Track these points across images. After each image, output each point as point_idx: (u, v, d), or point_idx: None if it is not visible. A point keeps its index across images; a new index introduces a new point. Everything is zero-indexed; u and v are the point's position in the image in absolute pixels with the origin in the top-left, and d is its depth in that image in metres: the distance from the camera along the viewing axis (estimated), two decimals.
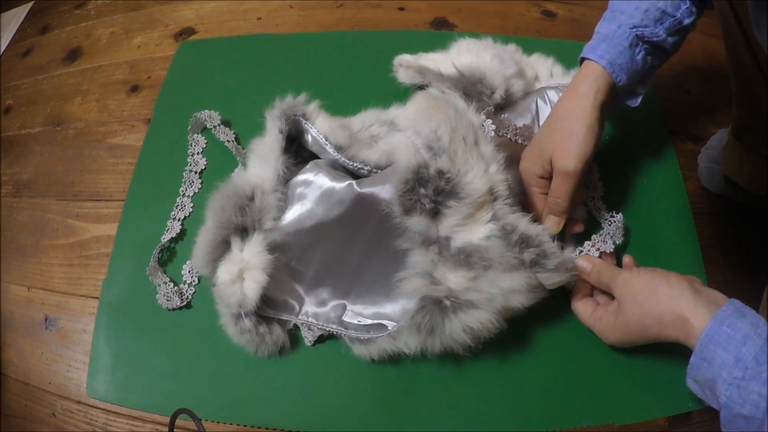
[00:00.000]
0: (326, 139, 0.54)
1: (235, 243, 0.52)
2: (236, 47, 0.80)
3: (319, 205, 0.53)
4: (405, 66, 0.65)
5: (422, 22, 0.82)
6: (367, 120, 0.60)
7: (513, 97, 0.63)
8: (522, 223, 0.50)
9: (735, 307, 0.41)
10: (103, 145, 0.74)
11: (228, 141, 0.67)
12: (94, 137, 0.75)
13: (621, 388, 0.54)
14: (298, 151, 0.59)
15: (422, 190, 0.49)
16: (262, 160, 0.55)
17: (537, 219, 0.54)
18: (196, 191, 0.66)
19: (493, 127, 0.54)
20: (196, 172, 0.67)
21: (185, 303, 0.59)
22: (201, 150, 0.69)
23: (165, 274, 0.60)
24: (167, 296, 0.59)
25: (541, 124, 0.57)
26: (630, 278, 0.47)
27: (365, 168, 0.54)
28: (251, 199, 0.53)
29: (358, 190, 0.52)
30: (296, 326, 0.57)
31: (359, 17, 0.83)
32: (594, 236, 0.55)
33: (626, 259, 0.54)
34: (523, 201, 0.55)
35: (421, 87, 0.66)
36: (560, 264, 0.49)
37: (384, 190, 0.51)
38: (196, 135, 0.70)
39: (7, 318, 0.64)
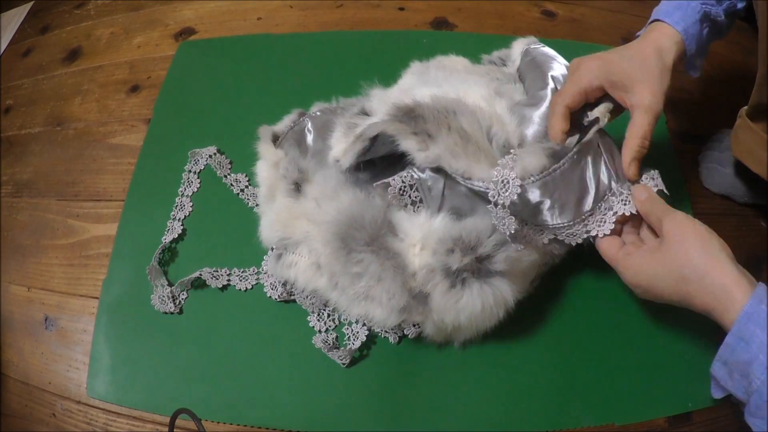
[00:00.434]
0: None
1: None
2: (236, 47, 0.80)
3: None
4: None
5: (422, 22, 0.82)
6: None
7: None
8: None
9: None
10: (103, 145, 0.74)
11: (225, 176, 0.67)
12: (94, 137, 0.75)
13: (621, 388, 0.54)
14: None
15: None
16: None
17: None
18: (195, 190, 0.66)
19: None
20: (195, 173, 0.67)
21: (178, 308, 0.59)
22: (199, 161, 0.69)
23: (165, 276, 0.60)
24: (161, 299, 0.59)
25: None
26: (686, 220, 0.43)
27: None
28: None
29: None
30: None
31: (359, 17, 0.83)
32: (653, 171, 0.51)
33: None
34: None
35: None
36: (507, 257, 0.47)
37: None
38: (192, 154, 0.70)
39: (7, 318, 0.64)
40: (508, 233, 0.46)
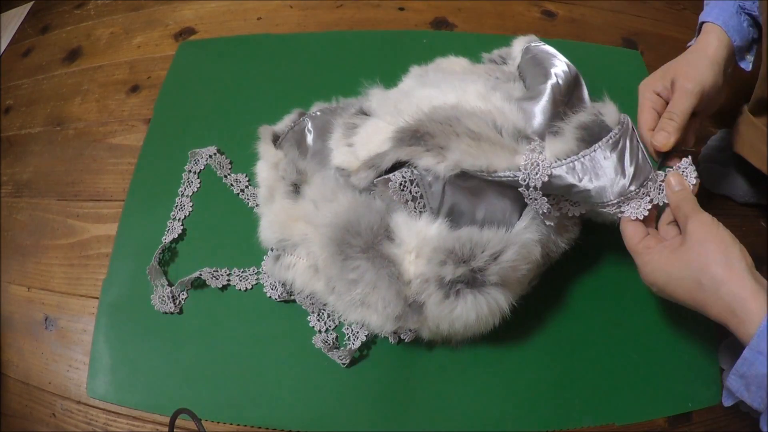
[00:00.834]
0: None
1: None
2: (236, 47, 0.80)
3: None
4: None
5: (422, 22, 0.82)
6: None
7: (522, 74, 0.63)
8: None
9: None
10: (103, 145, 0.74)
11: (225, 176, 0.67)
12: (94, 137, 0.75)
13: (621, 388, 0.54)
14: None
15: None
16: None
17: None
18: (195, 190, 0.66)
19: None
20: (195, 173, 0.67)
21: (178, 308, 0.59)
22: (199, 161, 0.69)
23: (165, 276, 0.60)
24: (162, 299, 0.59)
25: (552, 110, 0.57)
26: (711, 224, 0.42)
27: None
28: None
29: None
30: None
31: (359, 17, 0.83)
32: (685, 160, 0.50)
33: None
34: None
35: None
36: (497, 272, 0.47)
37: None
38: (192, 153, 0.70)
39: (7, 318, 0.64)
40: (540, 212, 0.47)
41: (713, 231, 0.41)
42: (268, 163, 0.58)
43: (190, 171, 0.67)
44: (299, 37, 0.80)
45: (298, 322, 0.58)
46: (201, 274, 0.59)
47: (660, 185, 0.47)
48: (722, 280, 0.39)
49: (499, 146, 0.46)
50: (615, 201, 0.46)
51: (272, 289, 0.58)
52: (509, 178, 0.46)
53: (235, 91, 0.74)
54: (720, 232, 0.41)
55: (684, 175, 0.48)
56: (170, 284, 0.60)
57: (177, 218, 0.64)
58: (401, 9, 0.84)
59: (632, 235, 0.47)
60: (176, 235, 0.63)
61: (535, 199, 0.47)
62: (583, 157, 0.46)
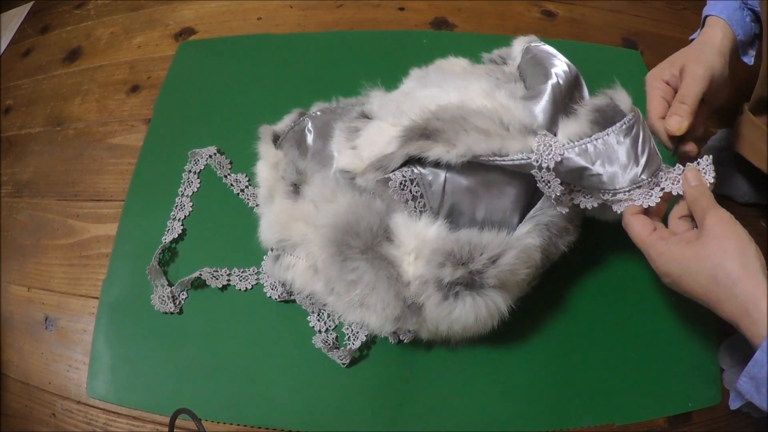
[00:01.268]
0: None
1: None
2: (236, 47, 0.80)
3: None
4: None
5: (422, 22, 0.82)
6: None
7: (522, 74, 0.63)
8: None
9: None
10: (103, 145, 0.74)
11: (225, 176, 0.67)
12: (94, 137, 0.75)
13: (621, 388, 0.54)
14: None
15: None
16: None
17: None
18: (195, 190, 0.66)
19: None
20: (195, 173, 0.67)
21: (178, 308, 0.59)
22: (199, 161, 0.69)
23: (165, 276, 0.60)
24: (161, 299, 0.59)
25: (552, 110, 0.57)
26: (730, 221, 0.41)
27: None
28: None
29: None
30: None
31: (359, 17, 0.83)
32: (707, 158, 0.49)
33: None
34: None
35: None
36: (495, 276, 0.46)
37: None
38: (192, 153, 0.70)
39: (7, 318, 0.64)
40: (553, 196, 0.46)
41: (731, 228, 0.41)
42: (268, 163, 0.58)
43: (190, 171, 0.67)
44: (299, 37, 0.80)
45: (298, 322, 0.58)
46: (201, 274, 0.59)
47: (676, 177, 0.47)
48: (738, 278, 0.38)
49: (509, 138, 0.46)
50: (627, 188, 0.46)
51: (272, 289, 0.58)
52: (522, 161, 0.45)
53: (235, 91, 0.74)
54: (737, 229, 0.41)
55: (702, 172, 0.47)
56: (170, 284, 0.60)
57: (177, 218, 0.64)
58: (401, 9, 0.84)
59: (641, 228, 0.46)
60: (176, 235, 0.63)
61: (548, 182, 0.46)
62: (596, 140, 0.46)
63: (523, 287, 0.52)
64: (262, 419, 0.54)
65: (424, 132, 0.48)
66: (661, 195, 0.47)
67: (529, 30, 0.80)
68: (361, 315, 0.49)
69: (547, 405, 0.54)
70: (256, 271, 0.60)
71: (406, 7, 0.84)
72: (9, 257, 0.68)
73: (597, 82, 0.59)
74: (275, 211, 0.55)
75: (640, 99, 0.51)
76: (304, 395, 0.54)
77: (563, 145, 0.46)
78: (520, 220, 0.50)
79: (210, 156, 0.67)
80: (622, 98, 0.49)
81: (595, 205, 0.49)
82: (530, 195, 0.52)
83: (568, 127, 0.47)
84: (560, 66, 0.56)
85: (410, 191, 0.49)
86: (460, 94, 0.53)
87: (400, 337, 0.55)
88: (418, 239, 0.48)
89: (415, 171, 0.49)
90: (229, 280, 0.60)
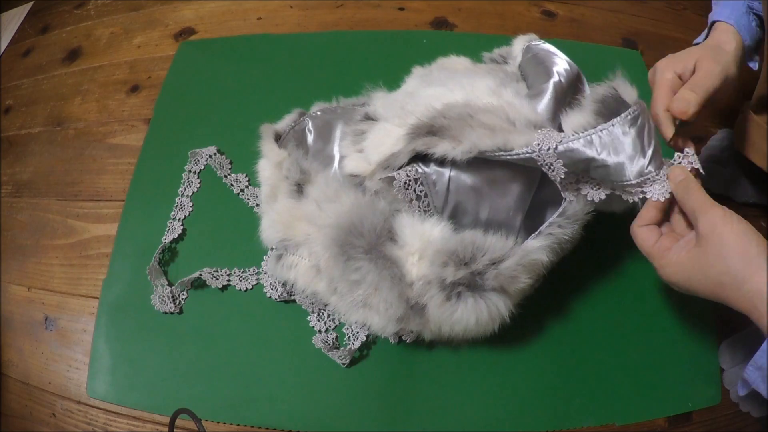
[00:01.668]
0: None
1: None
2: (236, 47, 0.80)
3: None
4: None
5: (422, 22, 0.82)
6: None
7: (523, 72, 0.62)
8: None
9: None
10: (103, 145, 0.74)
11: (225, 176, 0.67)
12: (94, 137, 0.75)
13: (621, 388, 0.54)
14: None
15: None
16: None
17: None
18: (195, 190, 0.66)
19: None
20: (195, 173, 0.67)
21: (178, 308, 0.59)
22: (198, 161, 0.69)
23: (165, 276, 0.60)
24: (162, 299, 0.59)
25: (555, 109, 0.57)
26: (722, 220, 0.41)
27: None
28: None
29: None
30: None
31: (359, 17, 0.83)
32: (687, 150, 0.48)
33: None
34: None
35: None
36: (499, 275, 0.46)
37: None
38: (192, 154, 0.70)
39: (7, 318, 0.64)
40: (557, 179, 0.45)
41: (728, 229, 0.40)
42: (271, 162, 0.58)
43: (190, 171, 0.67)
44: (299, 37, 0.80)
45: (298, 322, 0.58)
46: (201, 274, 0.59)
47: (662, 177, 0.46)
48: (743, 278, 0.38)
49: (515, 132, 0.46)
50: (636, 181, 0.45)
51: (272, 289, 0.58)
52: (527, 155, 0.45)
53: (235, 91, 0.74)
54: (734, 227, 0.40)
55: (686, 164, 0.46)
56: (170, 284, 0.60)
57: (177, 218, 0.64)
58: (401, 9, 0.84)
59: (645, 239, 0.46)
60: (176, 235, 0.63)
61: (551, 164, 0.45)
62: (601, 130, 0.45)
63: (526, 294, 0.52)
64: (262, 419, 0.54)
65: (430, 129, 0.48)
66: (671, 190, 0.46)
67: (529, 30, 0.80)
68: (364, 315, 0.49)
69: (547, 405, 0.54)
70: (256, 271, 0.60)
71: (406, 7, 0.84)
72: (9, 257, 0.68)
73: (597, 82, 0.59)
74: (278, 210, 0.55)
75: (641, 97, 0.51)
76: (304, 395, 0.54)
77: (568, 138, 0.45)
78: (522, 221, 0.50)
79: (210, 156, 0.67)
80: (626, 90, 0.48)
81: (602, 197, 0.48)
82: (533, 194, 0.52)
83: (572, 119, 0.47)
84: (561, 64, 0.56)
85: (414, 191, 0.49)
86: (466, 92, 0.53)
87: (403, 337, 0.55)
88: (422, 240, 0.48)
89: (419, 170, 0.49)
90: (229, 281, 0.60)
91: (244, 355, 0.56)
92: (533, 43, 0.61)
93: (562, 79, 0.54)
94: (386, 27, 0.81)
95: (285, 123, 0.62)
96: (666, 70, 0.50)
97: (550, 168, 0.45)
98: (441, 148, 0.46)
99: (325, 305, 0.57)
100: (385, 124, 0.53)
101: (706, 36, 0.56)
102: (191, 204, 0.65)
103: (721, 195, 0.67)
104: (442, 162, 0.48)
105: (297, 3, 0.85)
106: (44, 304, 0.64)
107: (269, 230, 0.55)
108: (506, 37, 0.68)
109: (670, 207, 0.47)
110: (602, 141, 0.45)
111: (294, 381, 0.55)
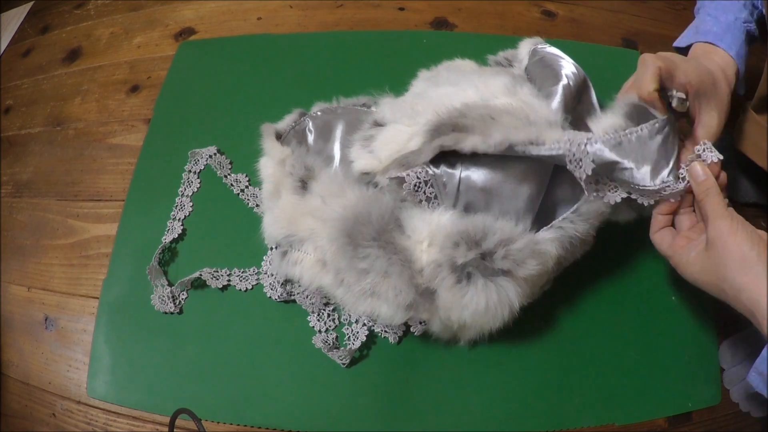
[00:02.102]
0: None
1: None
2: (236, 47, 0.80)
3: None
4: None
5: (422, 22, 0.82)
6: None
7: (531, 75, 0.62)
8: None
9: None
10: (103, 145, 0.74)
11: (226, 176, 0.67)
12: (94, 137, 0.75)
13: (621, 388, 0.54)
14: None
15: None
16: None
17: None
18: (195, 190, 0.66)
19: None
20: (195, 173, 0.67)
21: (178, 308, 0.59)
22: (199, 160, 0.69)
23: (165, 276, 0.60)
24: (162, 299, 0.59)
25: (563, 112, 0.56)
26: (728, 231, 0.42)
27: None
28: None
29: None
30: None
31: (359, 17, 0.83)
32: (703, 142, 0.49)
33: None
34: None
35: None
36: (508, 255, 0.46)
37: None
38: (193, 152, 0.70)
39: (7, 318, 0.64)
40: (583, 176, 0.46)
41: (731, 239, 0.42)
42: (274, 160, 0.57)
43: (190, 171, 0.67)
44: (299, 37, 0.80)
45: (298, 322, 0.58)
46: (201, 274, 0.59)
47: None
48: (740, 288, 0.41)
49: (545, 128, 0.47)
50: (656, 188, 0.46)
51: (272, 289, 0.58)
52: (557, 150, 0.45)
53: (235, 91, 0.74)
54: (737, 237, 0.42)
55: (704, 159, 0.47)
56: (170, 284, 0.60)
57: (177, 218, 0.64)
58: (401, 9, 0.84)
59: (660, 242, 0.49)
60: (176, 235, 0.63)
61: (580, 160, 0.45)
62: (630, 134, 0.46)
63: (534, 289, 0.52)
64: (262, 419, 0.54)
65: (455, 126, 0.47)
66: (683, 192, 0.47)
67: (529, 30, 0.81)
68: (372, 305, 0.48)
69: (547, 405, 0.54)
70: (256, 271, 0.60)
71: (406, 7, 0.84)
72: (9, 257, 0.68)
73: (597, 82, 0.59)
74: (282, 207, 0.55)
75: None
76: (304, 395, 0.54)
77: (600, 136, 0.45)
78: (532, 222, 0.50)
79: (210, 156, 0.67)
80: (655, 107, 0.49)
81: (618, 200, 0.48)
82: (542, 197, 0.51)
83: (602, 121, 0.48)
84: (568, 68, 0.56)
85: (424, 192, 0.49)
86: (479, 91, 0.53)
87: (411, 329, 0.54)
88: (431, 227, 0.47)
89: (429, 172, 0.49)
90: (229, 281, 0.60)
91: (244, 355, 0.56)
92: (539, 47, 0.61)
93: (571, 83, 0.54)
94: (386, 27, 0.81)
95: (285, 123, 0.62)
96: (656, 64, 0.49)
97: (578, 165, 0.45)
98: (470, 141, 0.46)
99: (326, 305, 0.57)
100: (395, 125, 0.53)
101: (697, 32, 0.54)
102: (191, 204, 0.65)
103: None
104: (452, 163, 0.48)
105: (297, 3, 0.85)
106: (44, 304, 0.64)
107: (273, 227, 0.55)
108: (506, 37, 0.68)
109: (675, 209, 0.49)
110: (630, 145, 0.46)
111: (294, 381, 0.55)
